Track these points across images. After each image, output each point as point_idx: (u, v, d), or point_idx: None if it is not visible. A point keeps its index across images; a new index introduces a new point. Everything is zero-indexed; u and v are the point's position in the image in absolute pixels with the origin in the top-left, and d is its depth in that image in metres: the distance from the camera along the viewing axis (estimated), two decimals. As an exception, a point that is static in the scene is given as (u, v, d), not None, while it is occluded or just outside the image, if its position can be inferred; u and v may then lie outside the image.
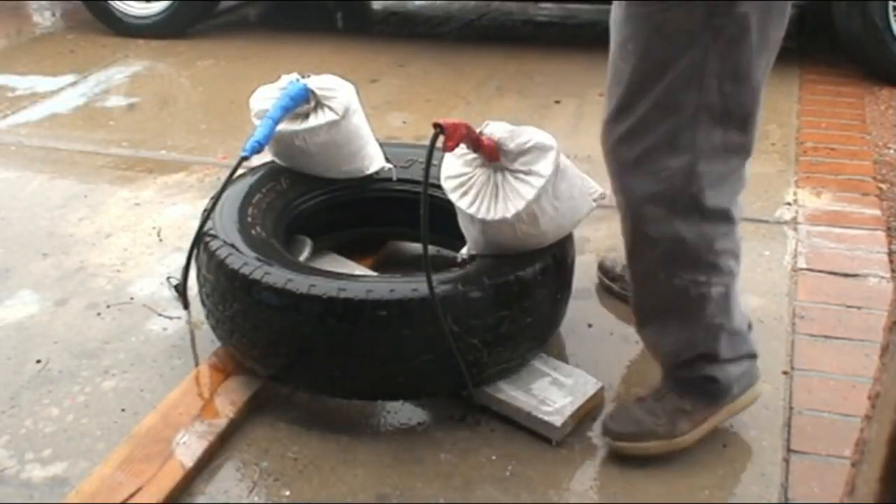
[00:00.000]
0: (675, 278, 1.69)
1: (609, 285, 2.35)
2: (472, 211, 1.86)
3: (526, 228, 1.85)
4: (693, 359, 1.78)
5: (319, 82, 2.19)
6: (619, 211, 1.72)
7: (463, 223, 1.96)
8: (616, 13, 1.63)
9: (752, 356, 1.83)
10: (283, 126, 2.15)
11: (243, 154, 2.05)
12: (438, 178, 1.93)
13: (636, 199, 1.66)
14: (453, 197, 1.90)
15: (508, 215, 1.82)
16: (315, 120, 2.18)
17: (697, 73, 1.54)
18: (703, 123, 1.58)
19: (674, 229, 1.64)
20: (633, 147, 1.63)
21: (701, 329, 1.74)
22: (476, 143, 1.80)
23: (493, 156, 1.83)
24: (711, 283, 1.69)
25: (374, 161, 2.33)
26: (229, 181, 2.08)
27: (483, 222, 1.86)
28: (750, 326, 1.82)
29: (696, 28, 1.52)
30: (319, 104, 2.18)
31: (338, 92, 2.19)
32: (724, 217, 1.67)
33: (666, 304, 1.75)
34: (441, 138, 1.73)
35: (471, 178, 1.88)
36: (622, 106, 1.62)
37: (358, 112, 2.25)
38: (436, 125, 1.72)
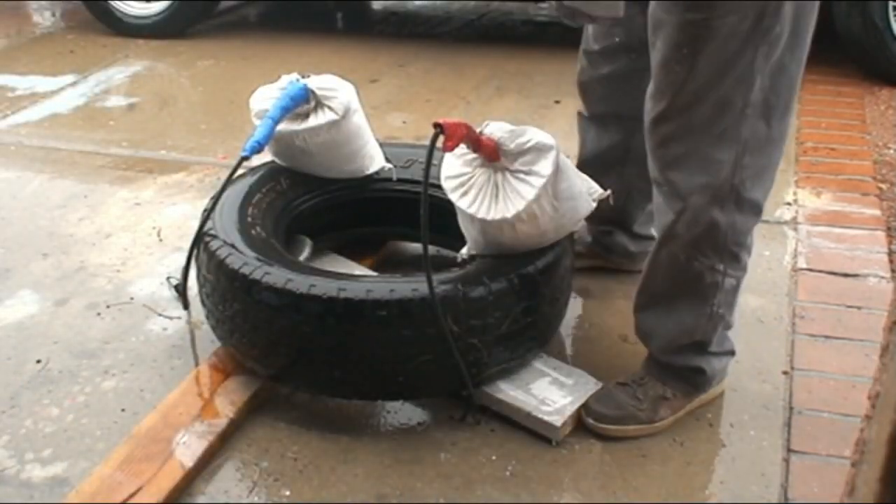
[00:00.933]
0: (695, 262, 1.75)
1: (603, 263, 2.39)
2: (472, 211, 1.87)
3: (526, 228, 1.85)
4: (686, 346, 1.86)
5: (319, 82, 2.19)
6: (659, 200, 1.76)
7: (463, 223, 1.96)
8: (662, 17, 1.64)
9: (732, 353, 1.94)
10: (284, 126, 2.15)
11: (243, 154, 2.05)
12: (438, 178, 1.93)
13: (682, 191, 1.71)
14: (453, 197, 1.90)
15: (508, 215, 1.82)
16: (315, 120, 2.17)
17: (749, 73, 1.61)
18: (749, 118, 1.65)
19: (711, 216, 1.71)
20: (682, 143, 1.69)
21: (704, 317, 1.81)
22: (476, 143, 1.80)
23: (492, 156, 1.84)
24: (727, 274, 1.77)
25: (375, 161, 2.33)
26: (229, 181, 2.08)
27: (483, 222, 1.86)
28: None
29: (748, 31, 1.58)
30: (319, 104, 2.18)
31: (338, 92, 2.19)
32: (756, 210, 1.75)
33: (678, 287, 1.81)
34: (441, 138, 1.73)
35: (471, 177, 1.89)
36: (677, 106, 1.66)
37: (358, 112, 2.25)
38: (436, 125, 1.72)
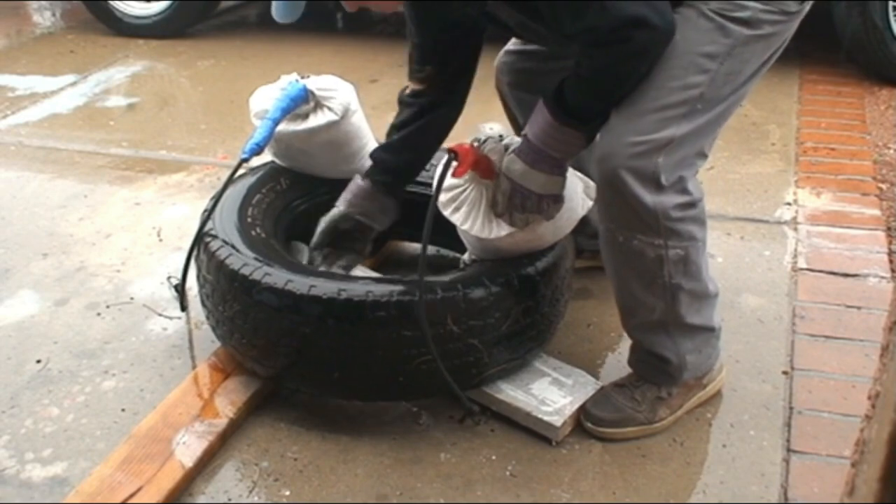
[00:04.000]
0: (634, 241, 1.72)
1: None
2: (465, 227, 1.85)
3: (523, 235, 1.84)
4: (653, 324, 1.82)
5: (319, 82, 2.19)
6: (595, 173, 1.74)
7: (461, 232, 1.94)
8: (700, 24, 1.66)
9: (712, 329, 1.88)
10: (283, 126, 2.15)
11: (243, 156, 2.04)
12: (432, 180, 1.93)
13: (613, 153, 1.68)
14: (446, 212, 1.87)
15: (503, 233, 1.82)
16: (315, 120, 2.17)
17: (738, 76, 1.69)
18: (696, 111, 1.67)
19: (635, 192, 1.67)
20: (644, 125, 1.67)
21: (658, 288, 1.77)
22: (476, 163, 1.80)
23: (487, 174, 1.82)
24: (668, 247, 1.73)
25: None
26: (229, 183, 2.07)
27: (479, 237, 1.86)
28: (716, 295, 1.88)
29: (763, 42, 1.69)
30: (319, 104, 2.18)
31: (337, 92, 2.19)
32: (682, 189, 1.71)
33: (623, 264, 1.79)
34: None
35: (463, 191, 1.86)
36: (678, 101, 1.67)
37: (358, 112, 2.25)
38: (450, 150, 1.73)
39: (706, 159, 1.77)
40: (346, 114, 2.19)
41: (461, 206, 1.86)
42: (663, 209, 1.68)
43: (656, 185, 1.66)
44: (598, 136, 1.73)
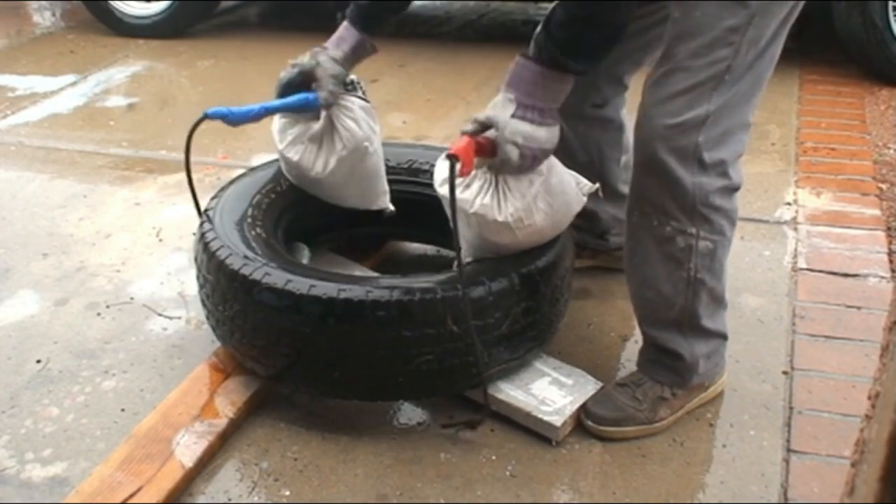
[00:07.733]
0: (667, 226, 1.74)
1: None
2: (473, 210, 1.84)
3: (522, 227, 1.84)
4: (670, 321, 1.83)
5: (347, 106, 2.11)
6: (634, 160, 1.77)
7: (461, 228, 1.94)
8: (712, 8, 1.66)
9: (723, 336, 1.91)
10: (295, 153, 2.12)
11: (206, 112, 2.01)
12: (433, 180, 1.93)
13: (651, 137, 1.70)
14: (445, 202, 1.87)
15: (500, 217, 1.82)
16: (327, 147, 2.12)
17: (760, 40, 1.68)
18: (725, 83, 1.67)
19: (675, 173, 1.69)
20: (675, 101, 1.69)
21: (682, 282, 1.78)
22: (478, 151, 1.78)
23: (489, 153, 1.80)
24: (700, 237, 1.75)
25: (381, 199, 2.26)
26: (190, 139, 2.04)
27: (481, 225, 1.85)
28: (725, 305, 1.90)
29: (778, 4, 1.68)
30: (335, 128, 2.11)
31: (360, 123, 2.12)
32: (723, 173, 1.73)
33: (652, 252, 1.79)
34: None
35: (464, 179, 1.86)
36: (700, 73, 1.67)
37: (375, 153, 2.17)
38: (449, 156, 1.69)
39: (750, 129, 1.76)
40: (356, 150, 2.12)
41: (463, 192, 1.84)
42: (702, 192, 1.71)
43: (699, 164, 1.69)
44: (633, 127, 1.76)
